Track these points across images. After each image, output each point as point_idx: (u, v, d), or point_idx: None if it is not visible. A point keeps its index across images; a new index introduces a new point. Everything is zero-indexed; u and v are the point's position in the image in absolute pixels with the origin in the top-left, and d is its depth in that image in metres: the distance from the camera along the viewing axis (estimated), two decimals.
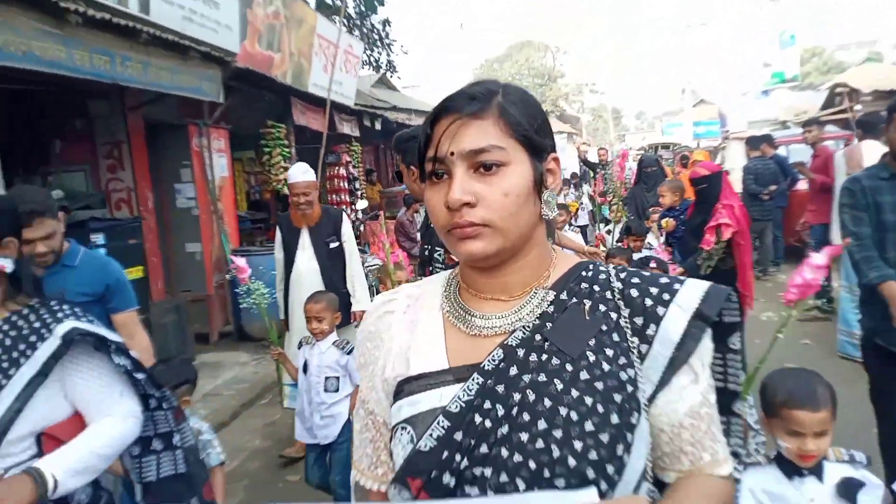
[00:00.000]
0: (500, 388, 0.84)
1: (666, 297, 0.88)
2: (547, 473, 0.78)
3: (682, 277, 0.93)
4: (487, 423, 0.83)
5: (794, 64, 18.97)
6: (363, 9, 14.23)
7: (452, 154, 0.85)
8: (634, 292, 0.90)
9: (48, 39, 3.73)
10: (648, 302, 0.89)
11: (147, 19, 4.49)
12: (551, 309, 0.90)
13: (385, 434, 0.99)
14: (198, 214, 6.29)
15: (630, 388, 0.84)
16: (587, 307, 0.89)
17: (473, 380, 0.86)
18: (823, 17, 50.90)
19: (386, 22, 15.02)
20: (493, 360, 0.87)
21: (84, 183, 5.87)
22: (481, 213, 0.85)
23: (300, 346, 3.34)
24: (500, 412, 0.83)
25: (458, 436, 0.83)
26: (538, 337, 0.88)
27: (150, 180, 6.00)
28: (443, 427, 0.84)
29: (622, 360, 0.85)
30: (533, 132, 0.88)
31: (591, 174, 10.84)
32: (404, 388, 0.92)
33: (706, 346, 0.88)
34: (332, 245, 4.13)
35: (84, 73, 4.06)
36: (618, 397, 0.83)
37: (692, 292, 0.88)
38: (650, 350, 0.87)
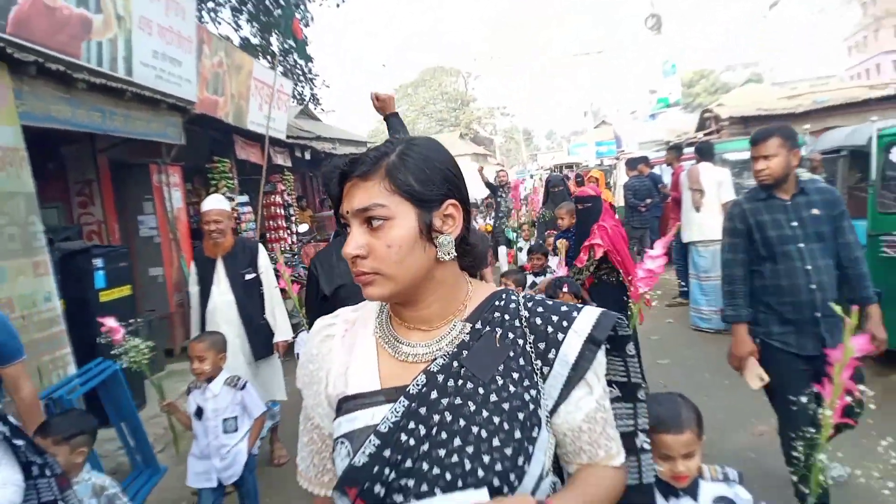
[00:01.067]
0: (423, 410, 0.98)
1: (564, 324, 1.03)
2: (460, 483, 0.93)
3: (579, 306, 1.09)
4: (412, 441, 0.97)
5: (677, 90, 21.13)
6: (285, 47, 15.21)
7: (348, 212, 1.01)
8: (538, 320, 1.04)
9: (60, 103, 4.63)
10: (550, 329, 1.03)
11: (129, 80, 5.43)
12: (467, 338, 1.04)
13: (329, 445, 1.13)
14: (159, 242, 7.12)
15: (532, 406, 0.98)
16: (498, 335, 1.04)
17: (400, 402, 1.00)
18: (710, 43, 55.33)
19: (307, 58, 15.97)
20: (417, 385, 1.00)
21: (56, 217, 6.62)
22: (370, 263, 0.99)
23: (188, 391, 3.25)
24: (423, 431, 0.97)
25: (387, 453, 0.97)
26: (455, 364, 1.01)
27: (117, 213, 6.82)
28: (374, 445, 0.98)
29: (526, 382, 1.00)
30: (419, 187, 1.00)
31: (494, 196, 10.92)
32: (343, 405, 1.05)
33: (600, 361, 1.03)
34: (248, 276, 4.11)
35: (83, 127, 4.96)
36: (521, 415, 0.97)
37: (586, 320, 1.03)
38: (551, 371, 1.01)
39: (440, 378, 1.00)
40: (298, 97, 16.25)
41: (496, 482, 0.92)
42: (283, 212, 10.90)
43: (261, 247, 4.28)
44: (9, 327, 2.43)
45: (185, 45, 6.49)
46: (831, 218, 2.89)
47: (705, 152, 6.67)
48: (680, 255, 7.49)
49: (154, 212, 7.12)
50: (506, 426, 0.96)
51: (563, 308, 1.06)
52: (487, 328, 1.05)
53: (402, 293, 1.02)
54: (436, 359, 1.03)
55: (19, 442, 1.57)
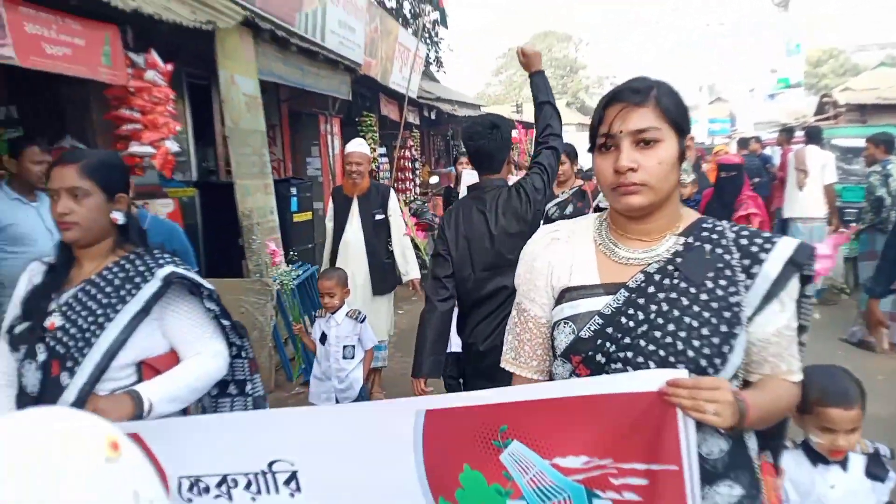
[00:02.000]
0: (641, 301, 1.19)
1: (768, 246, 1.19)
2: (672, 360, 1.14)
3: (781, 235, 1.25)
4: (631, 323, 1.18)
5: (799, 70, 20.71)
6: (415, 11, 16.29)
7: (621, 132, 1.18)
8: (744, 241, 1.21)
9: (279, 62, 5.91)
10: (754, 248, 1.20)
11: (322, 44, 6.68)
12: (681, 248, 1.22)
13: (542, 333, 1.34)
14: (321, 180, 8.49)
15: (736, 309, 1.16)
16: (708, 249, 1.21)
17: (621, 293, 1.21)
18: (841, 20, 52.02)
19: (436, 22, 17.00)
20: (637, 281, 1.21)
21: None
22: (641, 175, 1.17)
23: (313, 320, 3.65)
24: (641, 317, 1.18)
25: (609, 330, 1.19)
26: (670, 267, 1.20)
27: (292, 154, 8.21)
28: (598, 323, 1.20)
29: (731, 289, 1.17)
30: (680, 118, 1.20)
31: None
32: (566, 294, 1.27)
33: (794, 285, 1.19)
34: (378, 217, 4.42)
35: (291, 82, 6.25)
36: (727, 314, 1.16)
37: (787, 244, 1.19)
38: (753, 283, 1.18)
39: (657, 277, 1.20)
40: (424, 59, 17.37)
41: (703, 363, 1.13)
42: (410, 165, 12.15)
43: (392, 191, 4.63)
44: (186, 244, 3.00)
45: (359, 15, 7.69)
46: None
47: (814, 136, 7.24)
48: (779, 231, 8.09)
49: (319, 155, 8.48)
50: (714, 320, 1.15)
51: (767, 234, 1.24)
52: (698, 243, 1.22)
53: (655, 205, 1.21)
54: (651, 263, 1.22)
55: (226, 322, 1.79)
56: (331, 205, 4.59)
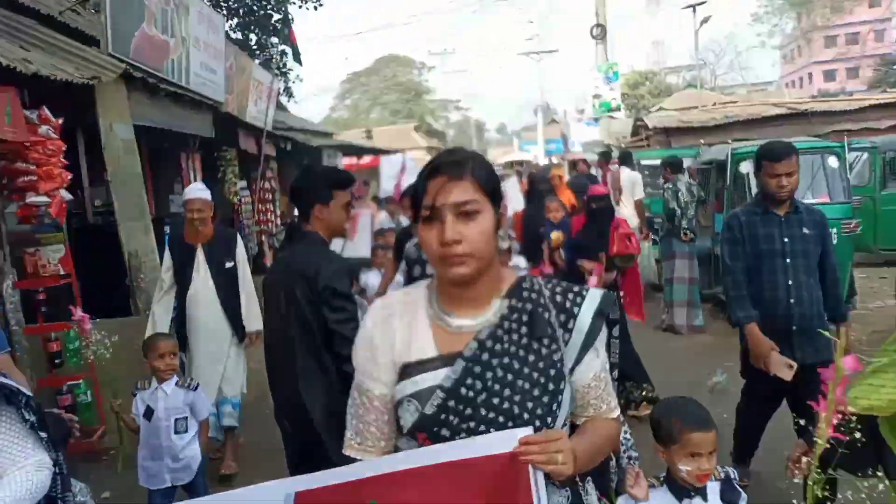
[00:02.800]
0: (478, 369, 1.28)
1: (579, 299, 1.34)
2: (510, 424, 1.23)
3: (587, 287, 1.40)
4: (471, 394, 1.26)
5: (618, 96, 23.26)
6: (262, 42, 16.60)
7: (444, 205, 1.25)
8: (559, 297, 1.35)
9: (146, 107, 6.22)
10: (568, 304, 1.34)
11: (187, 87, 7.04)
12: (507, 311, 1.33)
13: (385, 410, 1.37)
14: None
15: (559, 366, 1.29)
16: (530, 309, 1.33)
17: (458, 363, 1.28)
18: (655, 45, 58.51)
19: (283, 53, 17.39)
20: (471, 349, 1.29)
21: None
22: (465, 247, 1.24)
23: (134, 392, 3.22)
24: (479, 386, 1.27)
25: (452, 403, 1.26)
26: (499, 332, 1.31)
27: (154, 192, 8.34)
28: (440, 397, 1.27)
29: (553, 346, 1.30)
30: (494, 189, 1.31)
31: None
32: (406, 371, 1.32)
33: (604, 332, 1.35)
34: (228, 265, 4.20)
35: (160, 125, 6.56)
36: (552, 372, 1.28)
37: (594, 296, 1.35)
38: (571, 338, 1.32)
39: (489, 343, 1.28)
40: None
41: (537, 423, 1.23)
42: (270, 196, 12.45)
43: (238, 237, 4.42)
44: None
45: (218, 56, 8.08)
46: (819, 238, 3.10)
47: (625, 159, 8.69)
48: None
49: (181, 192, 8.67)
50: (542, 380, 1.26)
51: (576, 288, 1.36)
52: (521, 304, 1.32)
53: (477, 273, 1.28)
54: (482, 329, 1.30)
55: (43, 434, 1.67)
56: (167, 255, 4.27)
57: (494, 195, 1.31)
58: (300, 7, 15.76)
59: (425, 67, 60.51)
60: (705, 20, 21.71)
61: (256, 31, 15.77)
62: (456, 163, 1.28)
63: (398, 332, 1.37)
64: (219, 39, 8.07)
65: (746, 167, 6.68)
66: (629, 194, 8.29)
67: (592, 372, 1.34)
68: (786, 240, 3.08)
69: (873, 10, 40.04)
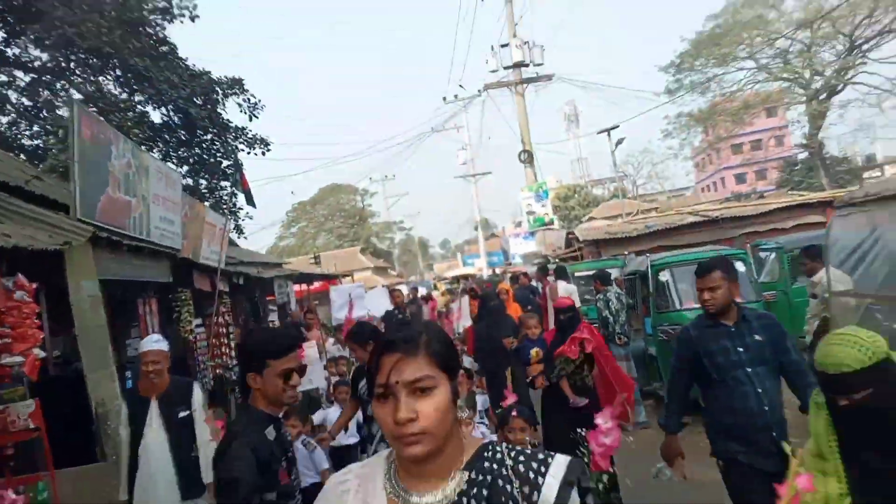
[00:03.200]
0: None
1: (543, 469, 1.28)
2: None
3: (553, 453, 1.33)
4: None
5: (550, 211, 24.80)
6: (212, 185, 17.33)
7: (397, 382, 1.24)
8: (522, 467, 1.29)
9: (111, 261, 6.62)
10: (531, 475, 1.28)
11: (149, 240, 7.50)
12: (466, 486, 1.29)
13: None
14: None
15: None
16: (490, 481, 1.28)
17: None
18: (579, 161, 62.47)
19: (233, 193, 18.14)
20: None
21: (63, 343, 8.25)
22: (421, 424, 1.22)
23: None
24: None
25: None
26: None
27: (112, 337, 8.52)
28: None
29: None
30: (451, 362, 1.30)
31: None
32: None
33: (574, 500, 1.28)
34: (182, 414, 4.18)
35: (122, 277, 6.94)
36: None
37: (560, 465, 1.29)
38: None
39: None
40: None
41: None
42: (225, 330, 12.65)
43: (195, 386, 4.47)
44: None
45: (175, 208, 8.63)
46: (772, 342, 3.14)
47: (560, 273, 9.46)
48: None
49: (139, 336, 8.87)
50: None
51: (540, 455, 1.32)
52: (481, 476, 1.29)
53: (435, 449, 1.26)
54: None
55: None
56: (124, 410, 4.30)
57: (450, 368, 1.30)
58: (248, 153, 16.74)
59: (367, 193, 62.68)
60: (619, 142, 23.86)
61: (206, 175, 16.55)
62: (409, 338, 1.28)
63: None
64: (175, 193, 8.66)
65: (665, 276, 7.48)
66: None
67: None
68: (740, 349, 3.12)
69: (770, 119, 44.29)
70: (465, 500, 1.28)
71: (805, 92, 30.76)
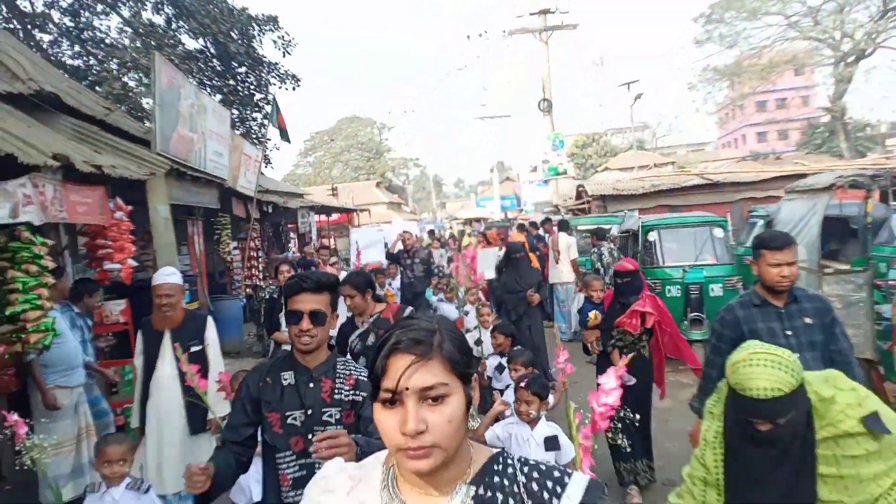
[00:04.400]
0: None
1: (558, 489, 1.16)
2: None
3: (570, 471, 1.21)
4: None
5: (564, 160, 25.49)
6: (243, 117, 18.25)
7: (407, 389, 1.10)
8: (535, 486, 1.17)
9: (177, 189, 7.72)
10: (546, 495, 1.16)
11: (204, 171, 8.58)
12: (471, 502, 1.15)
13: None
14: (191, 274, 10.06)
15: None
16: (499, 500, 1.16)
17: None
18: (600, 108, 62.05)
19: (262, 125, 19.07)
20: None
21: None
22: (431, 437, 1.09)
23: (84, 495, 3.12)
24: None
25: None
26: None
27: None
28: None
29: None
30: (465, 366, 1.16)
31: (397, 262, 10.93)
32: None
33: None
34: (194, 349, 4.06)
35: (184, 202, 8.05)
36: None
37: (577, 485, 1.17)
38: None
39: None
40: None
41: None
42: (255, 254, 13.87)
43: (210, 320, 4.38)
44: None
45: (224, 143, 9.66)
46: (823, 326, 2.89)
47: (563, 226, 10.47)
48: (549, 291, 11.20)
49: (188, 253, 10.07)
50: None
51: (556, 473, 1.19)
52: (489, 493, 1.16)
53: (442, 464, 1.13)
54: None
55: None
56: (139, 339, 4.28)
57: (465, 374, 1.18)
58: (279, 88, 17.56)
59: (385, 127, 62.94)
60: (638, 97, 24.31)
61: (238, 106, 17.45)
62: (421, 341, 1.14)
63: None
64: (225, 129, 9.67)
65: (653, 236, 8.52)
66: (566, 255, 10.03)
67: None
68: (788, 332, 2.89)
69: (798, 77, 44.02)
70: None
71: (833, 53, 30.69)
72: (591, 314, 4.99)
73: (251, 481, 3.56)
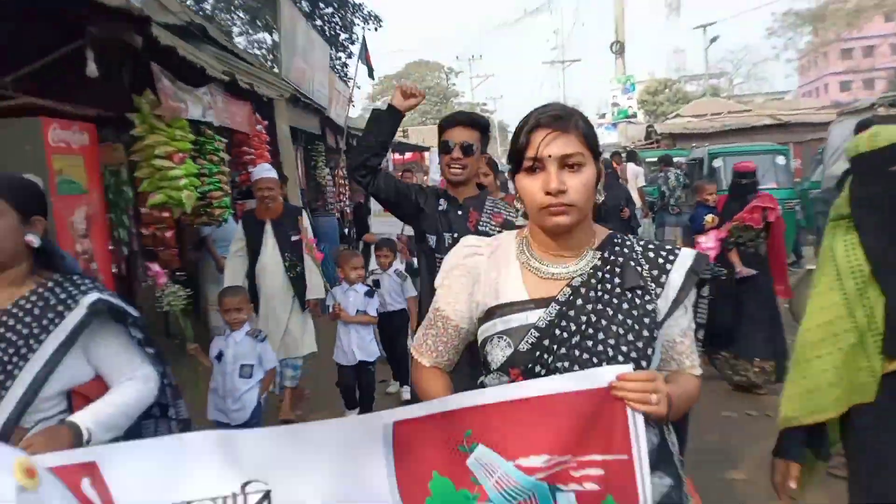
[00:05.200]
0: (571, 313, 1.31)
1: (671, 257, 1.37)
2: (605, 365, 1.26)
3: (679, 247, 1.40)
4: (565, 335, 1.30)
5: (634, 104, 25.58)
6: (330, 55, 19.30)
7: (549, 156, 1.28)
8: (651, 254, 1.38)
9: (293, 113, 8.86)
10: (661, 260, 1.36)
11: (310, 98, 9.73)
12: (599, 263, 1.36)
13: (455, 336, 1.49)
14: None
15: (653, 315, 1.31)
16: (621, 262, 1.36)
17: (552, 306, 1.32)
18: (675, 53, 60.31)
19: (345, 64, 20.10)
20: (565, 294, 1.33)
21: None
22: (569, 197, 1.27)
23: (211, 339, 3.55)
24: (573, 328, 1.30)
25: (546, 342, 1.30)
26: (593, 280, 1.33)
27: None
28: (535, 336, 1.31)
29: (647, 297, 1.33)
30: (595, 144, 1.33)
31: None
32: (496, 311, 1.37)
33: (693, 291, 1.38)
34: (294, 238, 4.50)
35: (295, 125, 9.21)
36: (647, 320, 1.30)
37: (687, 256, 1.38)
38: (662, 292, 1.34)
39: (582, 290, 1.33)
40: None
41: (632, 366, 1.25)
42: (343, 181, 15.13)
43: (304, 212, 4.82)
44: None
45: (325, 76, 10.85)
46: None
47: (631, 156, 11.24)
48: None
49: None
50: (636, 327, 1.30)
51: (668, 246, 1.41)
52: (613, 256, 1.37)
53: (576, 224, 1.32)
54: (575, 277, 1.35)
55: (150, 350, 1.79)
56: (239, 227, 4.72)
57: (596, 150, 1.34)
58: (362, 28, 18.51)
59: (453, 72, 62.87)
60: (714, 40, 24.00)
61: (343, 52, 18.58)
62: (561, 117, 1.30)
63: (484, 271, 1.44)
64: (325, 64, 10.79)
65: (718, 162, 9.22)
66: (633, 182, 10.82)
67: (680, 328, 1.39)
68: None
69: (889, 23, 41.70)
70: (598, 274, 1.34)
71: None
72: (708, 217, 5.22)
73: (353, 346, 4.28)
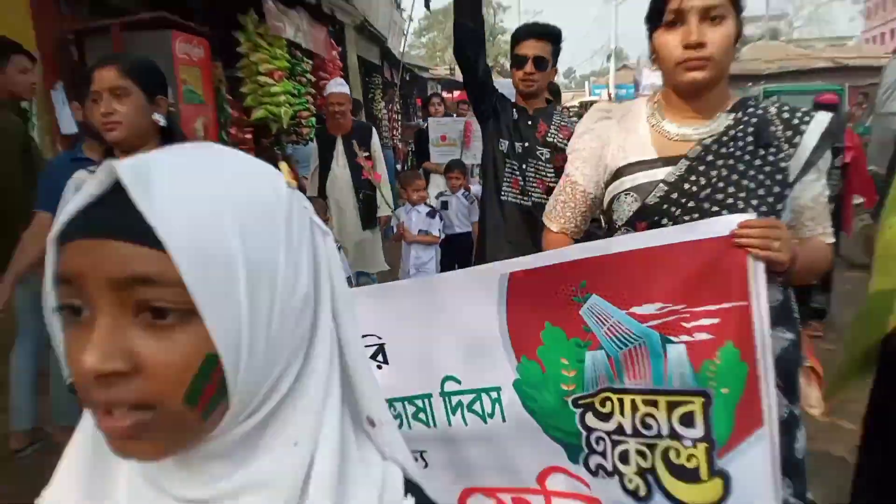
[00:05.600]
0: (702, 168, 1.32)
1: (807, 119, 1.33)
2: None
3: (815, 110, 1.36)
4: (694, 188, 1.31)
5: None
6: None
7: (691, 8, 1.25)
8: (786, 114, 1.34)
9: (358, 42, 9.25)
10: (795, 122, 1.33)
11: (375, 29, 10.08)
12: (732, 123, 1.34)
13: (579, 199, 1.53)
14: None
15: (786, 173, 1.30)
16: (755, 122, 1.33)
17: (682, 162, 1.33)
18: None
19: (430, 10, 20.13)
20: (696, 152, 1.33)
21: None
22: (709, 50, 1.26)
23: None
24: (703, 182, 1.31)
25: (675, 195, 1.32)
26: (725, 138, 1.33)
27: None
28: (663, 189, 1.33)
29: (780, 156, 1.30)
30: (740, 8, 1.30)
31: None
32: (624, 171, 1.39)
33: (827, 155, 1.34)
34: (363, 154, 4.49)
35: (361, 55, 9.60)
36: (778, 177, 1.29)
37: (823, 118, 1.34)
38: (795, 152, 1.32)
39: (714, 147, 1.33)
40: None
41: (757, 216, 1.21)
42: (397, 116, 15.55)
43: (374, 130, 4.78)
44: None
45: (387, 7, 11.12)
46: None
47: None
48: None
49: None
50: (767, 182, 1.28)
51: (804, 109, 1.37)
52: (747, 117, 1.34)
53: (715, 80, 1.31)
54: (706, 137, 1.34)
55: None
56: (314, 145, 4.79)
57: (739, 4, 1.30)
58: None
59: (501, 8, 61.42)
60: None
61: None
62: None
63: (613, 134, 1.46)
64: None
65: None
66: None
67: (812, 193, 1.36)
68: None
69: None
70: (731, 132, 1.33)
71: None
72: None
73: (410, 265, 4.40)
